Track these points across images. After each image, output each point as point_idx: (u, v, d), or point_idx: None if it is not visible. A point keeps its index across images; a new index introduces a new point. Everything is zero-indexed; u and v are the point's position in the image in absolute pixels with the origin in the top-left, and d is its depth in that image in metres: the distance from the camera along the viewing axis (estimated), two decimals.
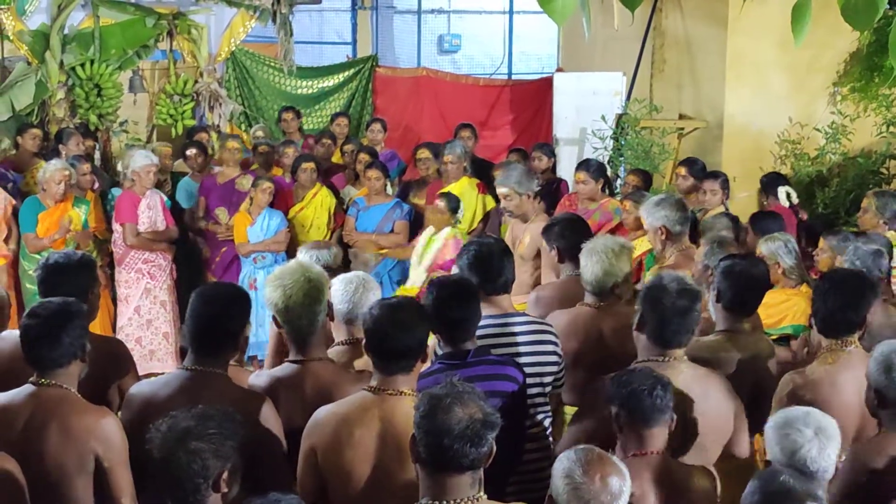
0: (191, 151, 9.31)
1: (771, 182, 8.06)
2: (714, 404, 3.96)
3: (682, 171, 7.99)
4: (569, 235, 5.28)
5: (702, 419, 3.91)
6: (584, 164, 7.83)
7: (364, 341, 3.67)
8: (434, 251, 7.63)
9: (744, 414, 4.08)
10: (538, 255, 6.44)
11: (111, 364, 4.33)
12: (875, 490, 3.59)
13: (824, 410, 3.64)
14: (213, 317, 3.84)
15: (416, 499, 3.04)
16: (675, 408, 3.72)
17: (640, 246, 6.32)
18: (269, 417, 3.78)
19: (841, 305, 4.21)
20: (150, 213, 8.24)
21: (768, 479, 3.15)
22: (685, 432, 3.87)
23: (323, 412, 3.61)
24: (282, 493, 2.94)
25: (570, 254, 5.20)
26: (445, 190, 8.41)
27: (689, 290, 4.05)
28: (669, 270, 5.48)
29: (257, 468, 3.48)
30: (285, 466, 3.81)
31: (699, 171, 7.93)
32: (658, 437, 3.62)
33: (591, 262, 4.81)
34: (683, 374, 3.94)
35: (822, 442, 3.39)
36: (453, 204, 7.80)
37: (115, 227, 8.22)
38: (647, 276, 5.58)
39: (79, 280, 4.50)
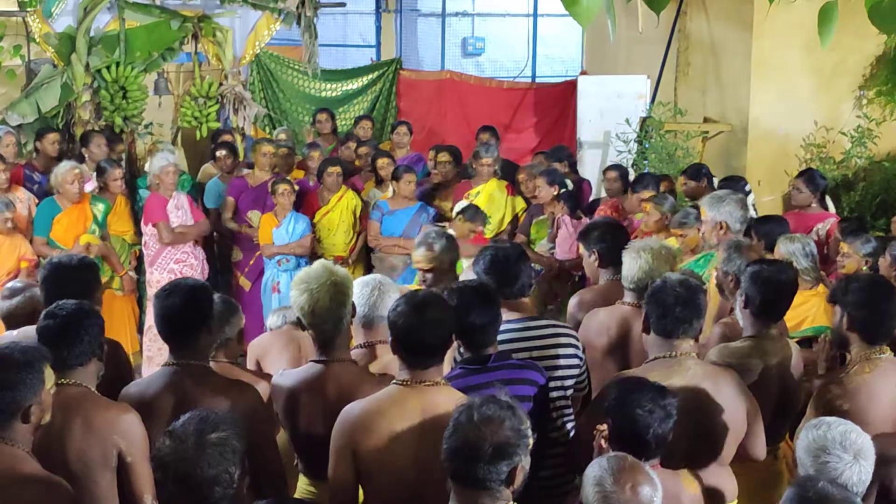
0: (220, 153, 9.36)
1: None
2: (726, 401, 3.88)
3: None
4: (609, 240, 5.23)
5: (714, 416, 3.84)
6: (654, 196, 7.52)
7: (390, 341, 3.65)
8: None
9: (759, 414, 4.01)
10: None
11: (114, 365, 4.33)
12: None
13: (861, 419, 3.62)
14: (175, 310, 3.90)
15: None
16: (684, 404, 3.63)
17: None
18: (258, 407, 3.82)
19: (884, 313, 4.13)
20: (179, 212, 8.26)
21: (806, 486, 3.06)
22: (697, 429, 3.81)
23: (356, 409, 3.57)
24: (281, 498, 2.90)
25: (610, 258, 5.17)
26: (474, 191, 8.41)
27: (690, 283, 4.02)
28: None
29: (248, 459, 3.48)
30: (276, 457, 3.85)
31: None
32: None
33: (630, 259, 4.83)
34: (691, 370, 3.88)
35: (861, 464, 3.30)
36: (470, 214, 7.79)
37: (146, 229, 8.24)
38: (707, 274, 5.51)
39: (81, 281, 4.59)
